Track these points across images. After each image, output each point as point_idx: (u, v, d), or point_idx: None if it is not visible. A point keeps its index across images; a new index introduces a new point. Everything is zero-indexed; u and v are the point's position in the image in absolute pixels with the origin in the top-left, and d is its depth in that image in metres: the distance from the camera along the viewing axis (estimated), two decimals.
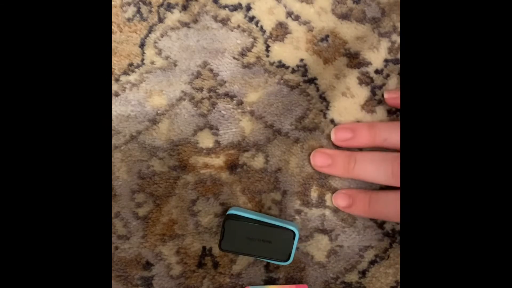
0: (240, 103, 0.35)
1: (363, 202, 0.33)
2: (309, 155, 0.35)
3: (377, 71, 0.35)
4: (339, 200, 0.34)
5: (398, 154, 0.32)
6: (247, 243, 0.33)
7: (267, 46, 0.35)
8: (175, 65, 0.35)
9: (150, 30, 0.35)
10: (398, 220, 0.32)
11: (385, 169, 0.32)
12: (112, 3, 0.35)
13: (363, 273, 0.34)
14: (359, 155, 0.33)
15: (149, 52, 0.35)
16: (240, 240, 0.33)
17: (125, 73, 0.35)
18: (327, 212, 0.35)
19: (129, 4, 0.35)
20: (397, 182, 0.31)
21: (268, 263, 0.35)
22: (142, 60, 0.35)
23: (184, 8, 0.35)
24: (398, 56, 0.34)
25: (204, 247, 0.35)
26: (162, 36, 0.35)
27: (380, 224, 0.35)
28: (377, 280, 0.34)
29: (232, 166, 0.35)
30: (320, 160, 0.34)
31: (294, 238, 0.32)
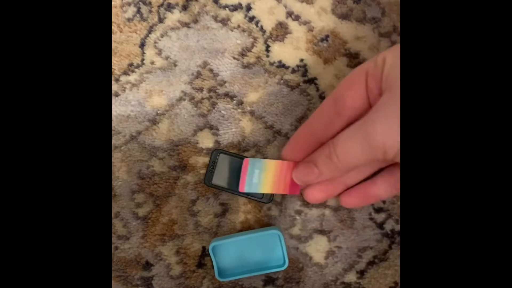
0: (240, 103, 0.35)
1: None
2: None
3: None
4: (311, 195, 0.32)
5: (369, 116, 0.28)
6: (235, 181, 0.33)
7: (267, 46, 0.35)
8: (175, 65, 0.35)
9: (150, 30, 0.35)
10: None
11: (365, 133, 0.27)
12: (112, 3, 0.35)
13: (361, 274, 0.34)
14: (334, 140, 0.29)
15: (149, 52, 0.35)
16: (232, 177, 0.34)
17: (125, 73, 0.35)
18: (327, 211, 0.35)
19: (129, 4, 0.35)
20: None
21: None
22: (142, 60, 0.35)
23: (184, 8, 0.35)
24: None
25: (204, 247, 0.35)
26: (162, 36, 0.35)
27: (380, 225, 0.35)
28: (376, 281, 0.34)
29: None
30: (305, 172, 0.30)
31: (280, 240, 0.33)
